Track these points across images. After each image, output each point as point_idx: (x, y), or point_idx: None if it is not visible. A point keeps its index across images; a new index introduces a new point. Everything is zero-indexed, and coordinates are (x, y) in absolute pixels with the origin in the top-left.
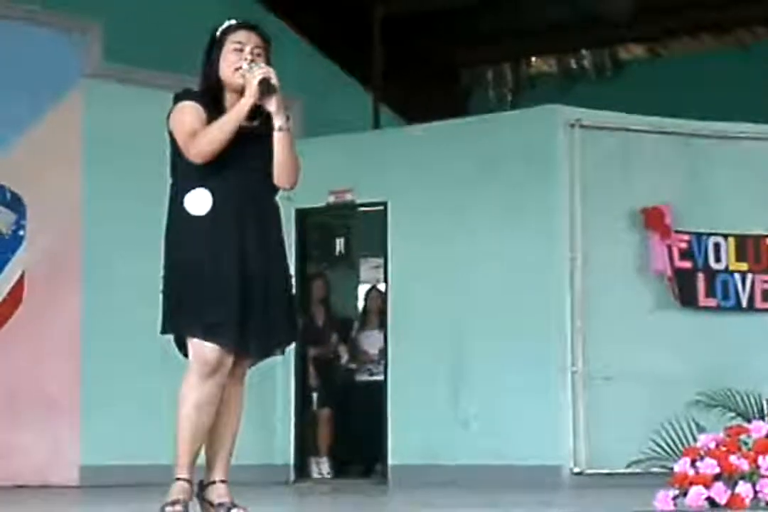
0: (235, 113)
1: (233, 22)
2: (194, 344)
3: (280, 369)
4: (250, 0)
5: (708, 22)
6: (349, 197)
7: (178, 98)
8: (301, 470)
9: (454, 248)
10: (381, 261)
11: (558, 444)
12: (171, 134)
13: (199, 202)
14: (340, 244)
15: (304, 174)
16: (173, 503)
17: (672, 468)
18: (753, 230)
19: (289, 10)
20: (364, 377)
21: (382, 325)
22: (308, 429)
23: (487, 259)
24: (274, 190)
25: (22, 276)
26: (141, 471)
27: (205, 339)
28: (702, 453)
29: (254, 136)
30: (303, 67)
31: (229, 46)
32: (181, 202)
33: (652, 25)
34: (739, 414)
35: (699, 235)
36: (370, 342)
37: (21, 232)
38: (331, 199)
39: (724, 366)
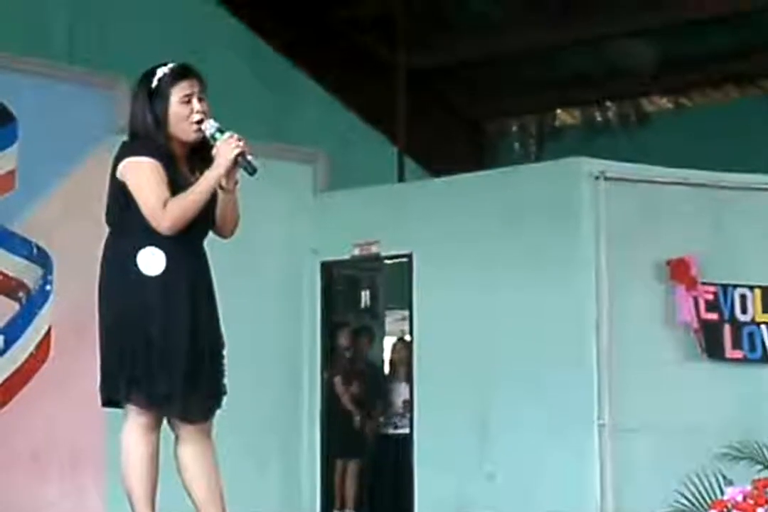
0: (209, 186)
1: (169, 69)
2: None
3: (305, 421)
4: (275, 53)
5: (731, 74)
6: (374, 249)
7: (131, 151)
8: None
9: (479, 300)
10: (406, 313)
11: (585, 497)
12: (117, 183)
13: (151, 261)
14: (365, 296)
15: (329, 227)
16: None
17: None
18: None
19: (312, 62)
20: (389, 430)
21: (409, 377)
22: (334, 481)
23: (513, 311)
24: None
25: (48, 332)
26: None
27: (150, 410)
28: (729, 506)
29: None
30: (327, 118)
31: (174, 99)
32: (133, 259)
33: (676, 76)
34: (766, 467)
35: (725, 286)
36: (397, 394)
37: (48, 287)
38: (356, 251)
39: (752, 418)
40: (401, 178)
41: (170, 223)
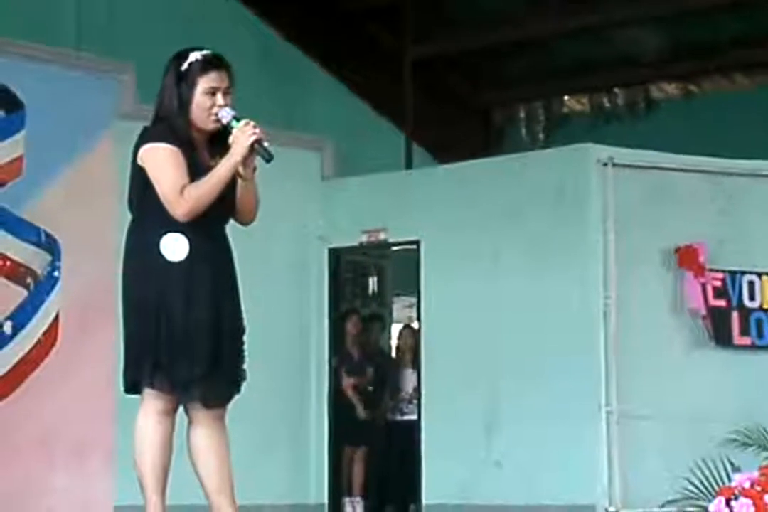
0: (226, 173)
1: (202, 55)
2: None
3: (313, 408)
4: (284, 42)
5: (739, 61)
6: (382, 236)
7: (151, 137)
8: (336, 510)
9: (486, 287)
10: (414, 299)
11: (592, 484)
12: (137, 169)
13: (174, 247)
14: (373, 283)
15: (337, 214)
16: None
17: (706, 508)
18: None
19: (322, 51)
20: (396, 416)
21: (415, 364)
22: (342, 468)
23: (521, 298)
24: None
25: (56, 318)
26: (174, 511)
27: (171, 394)
28: (737, 492)
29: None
30: (335, 107)
31: (200, 88)
32: (156, 245)
33: (684, 63)
34: None
35: (733, 273)
36: (403, 381)
37: (56, 274)
38: (364, 238)
39: (759, 405)
40: (409, 165)
41: (185, 209)
